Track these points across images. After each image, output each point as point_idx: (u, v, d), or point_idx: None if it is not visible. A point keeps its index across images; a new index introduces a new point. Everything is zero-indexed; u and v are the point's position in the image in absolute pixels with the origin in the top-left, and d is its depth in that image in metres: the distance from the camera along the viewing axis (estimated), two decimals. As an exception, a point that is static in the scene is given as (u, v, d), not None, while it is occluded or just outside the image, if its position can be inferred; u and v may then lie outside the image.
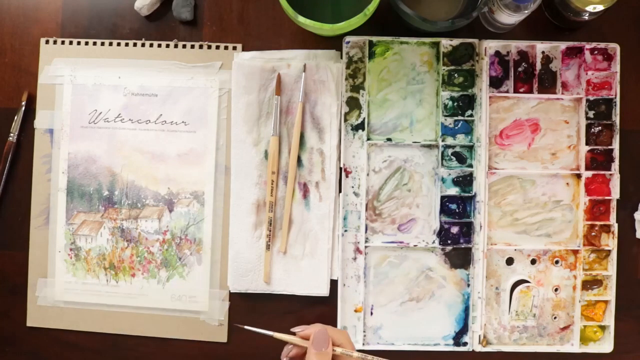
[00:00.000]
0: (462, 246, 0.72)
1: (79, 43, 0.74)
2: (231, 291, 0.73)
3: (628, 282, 0.73)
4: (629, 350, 0.73)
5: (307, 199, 0.72)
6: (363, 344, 0.72)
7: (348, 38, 0.72)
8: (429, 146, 0.73)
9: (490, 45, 0.71)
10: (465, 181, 0.72)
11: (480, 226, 0.71)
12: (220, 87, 0.73)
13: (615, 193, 0.72)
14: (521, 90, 0.72)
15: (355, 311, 0.72)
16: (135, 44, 0.74)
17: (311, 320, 0.73)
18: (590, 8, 0.66)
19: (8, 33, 0.75)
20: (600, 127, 0.72)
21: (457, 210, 0.72)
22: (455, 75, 0.72)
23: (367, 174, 0.72)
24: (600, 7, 0.66)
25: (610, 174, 0.72)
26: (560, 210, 0.73)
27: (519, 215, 0.72)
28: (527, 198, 0.73)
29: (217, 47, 0.74)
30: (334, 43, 0.73)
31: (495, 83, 0.72)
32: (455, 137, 0.72)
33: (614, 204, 0.72)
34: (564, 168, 0.73)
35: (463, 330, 0.72)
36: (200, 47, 0.74)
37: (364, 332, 0.72)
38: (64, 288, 0.74)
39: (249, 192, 0.72)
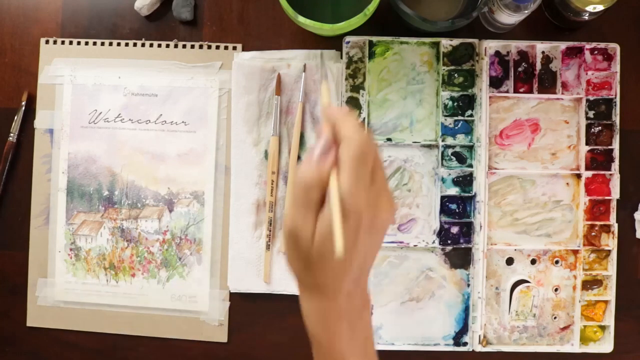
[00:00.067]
0: (462, 246, 0.72)
1: (79, 43, 0.74)
2: (231, 291, 0.72)
3: (628, 282, 0.73)
4: (629, 350, 0.73)
5: (307, 199, 0.72)
6: (363, 344, 0.72)
7: (348, 38, 0.72)
8: (429, 146, 0.73)
9: (490, 45, 0.71)
10: (465, 181, 0.72)
11: (480, 226, 0.71)
12: (220, 87, 0.73)
13: (615, 193, 0.72)
14: (521, 90, 0.72)
15: (355, 311, 0.72)
16: (135, 44, 0.74)
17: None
18: (590, 8, 0.66)
19: (8, 33, 0.75)
20: (600, 127, 0.72)
21: (457, 210, 0.72)
22: (455, 75, 0.72)
23: (367, 174, 0.72)
24: (600, 7, 0.66)
25: (610, 174, 0.72)
26: (560, 210, 0.73)
27: (519, 215, 0.72)
28: (527, 198, 0.73)
29: (217, 47, 0.74)
30: (334, 43, 0.73)
31: (495, 83, 0.72)
32: (455, 137, 0.72)
33: (614, 204, 0.72)
34: (564, 168, 0.73)
35: (463, 330, 0.72)
36: (200, 47, 0.74)
37: (364, 332, 0.72)
38: (64, 288, 0.74)
39: (249, 192, 0.72)
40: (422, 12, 0.68)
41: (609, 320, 0.71)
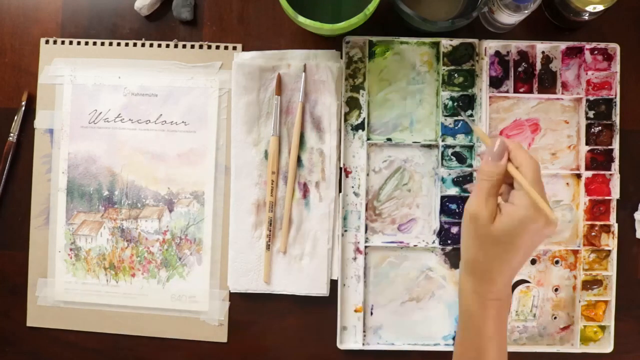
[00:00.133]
0: (462, 246, 0.72)
1: (79, 43, 0.74)
2: (231, 291, 0.73)
3: (628, 282, 0.73)
4: (629, 350, 0.73)
5: (307, 199, 0.72)
6: (363, 344, 0.72)
7: (348, 38, 0.72)
8: (429, 146, 0.73)
9: (490, 45, 0.71)
10: (465, 181, 0.72)
11: (480, 226, 0.71)
12: (220, 87, 0.73)
13: (615, 193, 0.72)
14: (521, 90, 0.72)
15: (355, 311, 0.72)
16: (135, 44, 0.74)
17: (311, 321, 0.73)
18: (590, 8, 0.66)
19: (8, 33, 0.75)
20: (600, 127, 0.72)
21: (457, 210, 0.72)
22: (455, 75, 0.72)
23: (367, 174, 0.72)
24: (600, 7, 0.66)
25: (610, 174, 0.72)
26: (560, 210, 0.73)
27: (519, 215, 0.72)
28: (527, 198, 0.72)
29: (217, 47, 0.74)
30: (334, 43, 0.73)
31: (495, 83, 0.72)
32: (455, 137, 0.72)
33: (614, 204, 0.72)
34: (564, 168, 0.73)
35: (463, 330, 0.72)
36: (200, 47, 0.74)
37: (364, 332, 0.72)
38: (64, 288, 0.74)
39: (249, 192, 0.72)
40: (422, 12, 0.68)
41: (609, 320, 0.71)
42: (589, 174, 0.72)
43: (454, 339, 0.72)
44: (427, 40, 0.72)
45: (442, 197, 0.72)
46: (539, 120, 0.73)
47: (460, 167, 0.72)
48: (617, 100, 0.72)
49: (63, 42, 0.74)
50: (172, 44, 0.74)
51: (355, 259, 0.72)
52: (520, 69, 0.72)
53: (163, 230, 0.73)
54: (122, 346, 0.74)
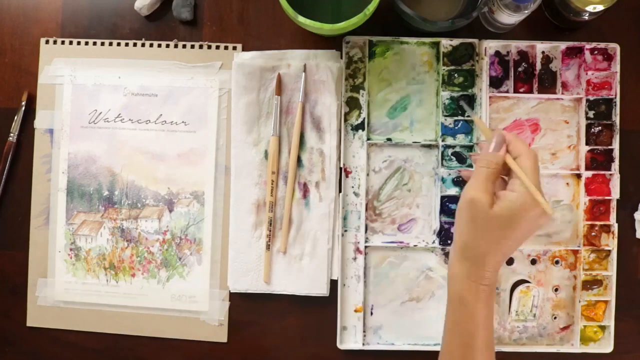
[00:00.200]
0: (462, 246, 0.72)
1: (79, 43, 0.74)
2: (231, 291, 0.73)
3: (628, 282, 0.73)
4: (629, 350, 0.73)
5: (307, 199, 0.72)
6: (363, 344, 0.72)
7: (348, 38, 0.72)
8: (429, 146, 0.73)
9: (490, 45, 0.71)
10: (465, 181, 0.72)
11: (480, 226, 0.71)
12: (220, 87, 0.73)
13: (615, 193, 0.72)
14: (521, 90, 0.72)
15: (355, 311, 0.72)
16: (135, 44, 0.74)
17: (311, 321, 0.73)
18: (590, 8, 0.66)
19: (8, 33, 0.75)
20: (600, 127, 0.72)
21: (457, 210, 0.72)
22: (455, 75, 0.72)
23: (367, 174, 0.72)
24: (600, 7, 0.66)
25: (610, 174, 0.72)
26: (560, 210, 0.73)
27: (519, 215, 0.72)
28: (527, 198, 0.72)
29: (217, 47, 0.74)
30: (334, 43, 0.73)
31: (495, 83, 0.72)
32: (455, 137, 0.72)
33: (614, 204, 0.72)
34: (564, 168, 0.73)
35: (463, 330, 0.72)
36: (200, 47, 0.74)
37: (364, 332, 0.72)
38: (64, 288, 0.74)
39: (249, 192, 0.72)
40: (422, 12, 0.68)
41: (609, 320, 0.71)
42: (589, 174, 0.72)
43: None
44: (427, 40, 0.72)
45: (442, 197, 0.72)
46: (539, 120, 0.73)
47: (460, 167, 0.72)
48: (617, 100, 0.72)
49: (63, 42, 0.74)
50: (172, 44, 0.74)
51: (355, 259, 0.72)
52: (520, 69, 0.72)
53: (163, 230, 0.73)
54: (122, 346, 0.74)
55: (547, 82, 0.72)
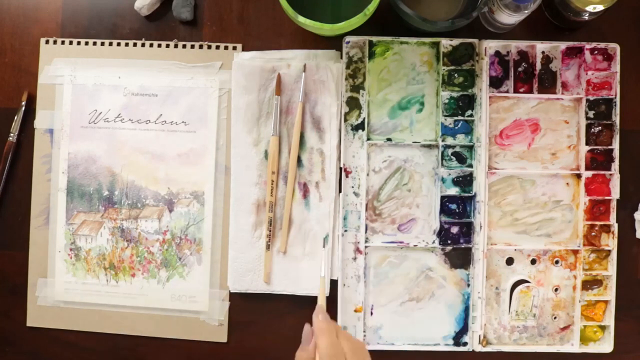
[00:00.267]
0: (462, 246, 0.72)
1: (79, 43, 0.74)
2: (231, 291, 0.73)
3: (628, 282, 0.73)
4: (629, 350, 0.73)
5: (307, 199, 0.72)
6: (363, 344, 0.72)
7: (348, 38, 0.72)
8: (429, 146, 0.73)
9: (490, 45, 0.71)
10: (465, 181, 0.72)
11: (480, 226, 0.71)
12: (220, 87, 0.73)
13: (615, 193, 0.72)
14: (521, 90, 0.72)
15: (355, 311, 0.72)
16: (135, 44, 0.74)
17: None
18: (590, 8, 0.66)
19: (8, 33, 0.75)
20: (600, 127, 0.72)
21: (457, 210, 0.72)
22: (455, 75, 0.72)
23: (367, 174, 0.72)
24: (600, 7, 0.66)
25: (610, 174, 0.72)
26: (560, 210, 0.73)
27: (519, 215, 0.72)
28: (527, 198, 0.73)
29: (217, 47, 0.74)
30: (334, 43, 0.73)
31: (495, 83, 0.72)
32: (455, 137, 0.72)
33: (614, 204, 0.72)
34: (564, 168, 0.73)
35: (463, 330, 0.72)
36: (200, 47, 0.74)
37: (364, 332, 0.72)
38: (64, 288, 0.74)
39: (249, 192, 0.72)
40: (422, 12, 0.68)
41: (609, 320, 0.71)
42: (589, 174, 0.72)
43: (453, 338, 0.72)
44: (427, 40, 0.72)
45: (442, 197, 0.72)
46: (539, 120, 0.73)
47: (460, 167, 0.72)
48: (617, 100, 0.72)
49: (63, 42, 0.74)
50: (172, 44, 0.74)
51: (355, 259, 0.72)
52: (520, 69, 0.72)
53: (163, 230, 0.73)
54: (122, 346, 0.74)
55: (547, 82, 0.72)
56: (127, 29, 0.75)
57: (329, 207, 0.72)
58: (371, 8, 0.62)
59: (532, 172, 0.72)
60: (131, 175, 0.74)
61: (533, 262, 0.72)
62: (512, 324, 0.72)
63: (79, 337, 0.74)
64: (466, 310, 0.72)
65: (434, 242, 0.72)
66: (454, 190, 0.72)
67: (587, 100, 0.72)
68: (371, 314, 0.72)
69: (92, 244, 0.74)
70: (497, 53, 0.72)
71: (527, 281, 0.71)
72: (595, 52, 0.72)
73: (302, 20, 0.62)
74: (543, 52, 0.72)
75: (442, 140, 0.72)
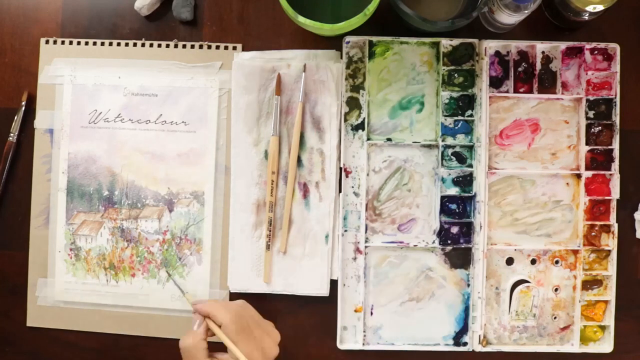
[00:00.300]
0: (462, 246, 0.72)
1: (79, 43, 0.74)
2: (231, 291, 0.72)
3: (628, 282, 0.73)
4: (629, 350, 0.73)
5: (307, 199, 0.72)
6: (363, 344, 0.72)
7: (348, 38, 0.72)
8: (429, 146, 0.73)
9: (490, 45, 0.71)
10: (465, 181, 0.72)
11: (480, 226, 0.71)
12: (220, 87, 0.73)
13: (615, 193, 0.72)
14: (521, 90, 0.72)
15: (355, 311, 0.72)
16: (135, 44, 0.74)
17: (311, 321, 0.73)
18: (590, 8, 0.66)
19: (8, 33, 0.75)
20: (600, 127, 0.72)
21: (457, 210, 0.72)
22: (455, 75, 0.72)
23: (367, 174, 0.72)
24: (600, 7, 0.66)
25: (610, 174, 0.72)
26: (560, 210, 0.73)
27: (519, 215, 0.72)
28: (527, 198, 0.73)
29: (217, 47, 0.74)
30: (334, 43, 0.73)
31: (495, 83, 0.72)
32: (455, 137, 0.72)
33: (614, 204, 0.72)
34: (564, 168, 0.73)
35: (463, 330, 0.72)
36: (200, 47, 0.74)
37: (364, 332, 0.72)
38: (64, 288, 0.74)
39: (249, 192, 0.72)
40: (422, 12, 0.68)
41: (609, 320, 0.71)
42: (589, 174, 0.72)
43: (453, 339, 0.72)
44: (427, 40, 0.72)
45: (442, 197, 0.72)
46: (539, 120, 0.73)
47: (460, 167, 0.72)
48: (617, 100, 0.72)
49: (63, 42, 0.74)
50: (172, 44, 0.74)
51: (355, 259, 0.72)
52: (520, 69, 0.72)
53: (163, 230, 0.73)
54: (122, 346, 0.74)
55: (547, 82, 0.72)
56: (127, 29, 0.75)
57: (329, 207, 0.72)
58: (371, 8, 0.62)
59: (532, 172, 0.72)
60: (131, 175, 0.74)
61: (533, 262, 0.72)
62: (512, 324, 0.72)
63: (79, 337, 0.74)
64: (466, 310, 0.72)
65: (434, 242, 0.72)
66: (454, 190, 0.72)
67: (587, 100, 0.72)
68: (371, 314, 0.72)
69: (92, 244, 0.74)
70: (497, 53, 0.72)
71: (527, 281, 0.71)
72: (595, 52, 0.72)
73: (302, 20, 0.62)
74: (543, 52, 0.72)
75: (442, 140, 0.72)
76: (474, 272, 0.72)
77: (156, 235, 0.73)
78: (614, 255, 0.72)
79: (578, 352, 0.72)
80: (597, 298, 0.72)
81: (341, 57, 0.72)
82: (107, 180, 0.74)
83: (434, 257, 0.73)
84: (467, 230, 0.72)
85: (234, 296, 0.73)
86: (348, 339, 0.72)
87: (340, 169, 0.72)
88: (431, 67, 0.73)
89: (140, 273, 0.73)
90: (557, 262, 0.72)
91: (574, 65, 0.72)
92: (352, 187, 0.72)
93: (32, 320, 0.74)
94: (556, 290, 0.72)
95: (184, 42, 0.74)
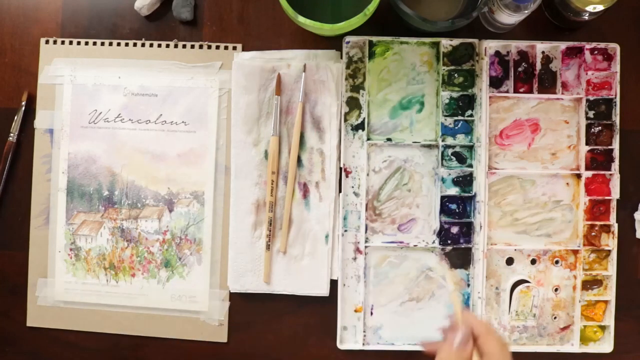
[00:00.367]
0: (462, 246, 0.72)
1: (79, 43, 0.74)
2: (231, 291, 0.73)
3: (628, 282, 0.73)
4: (629, 350, 0.73)
5: (307, 199, 0.72)
6: (363, 344, 0.72)
7: (348, 38, 0.72)
8: (429, 146, 0.73)
9: (490, 45, 0.71)
10: (465, 181, 0.72)
11: (480, 226, 0.71)
12: (220, 87, 0.73)
13: (615, 193, 0.72)
14: (521, 90, 0.72)
15: (355, 311, 0.72)
16: (135, 44, 0.74)
17: (311, 321, 0.73)
18: (590, 8, 0.66)
19: (8, 33, 0.75)
20: (600, 127, 0.72)
21: (457, 210, 0.72)
22: (455, 75, 0.72)
23: (367, 174, 0.72)
24: (600, 7, 0.66)
25: (610, 174, 0.72)
26: (560, 210, 0.73)
27: (519, 215, 0.72)
28: (527, 198, 0.73)
29: (217, 47, 0.74)
30: (334, 43, 0.73)
31: (495, 83, 0.72)
32: (455, 137, 0.72)
33: (614, 204, 0.72)
34: (564, 168, 0.73)
35: (463, 330, 0.72)
36: (200, 47, 0.74)
37: (364, 332, 0.72)
38: (64, 288, 0.74)
39: (249, 192, 0.72)
40: (422, 12, 0.68)
41: (609, 320, 0.71)
42: (589, 174, 0.72)
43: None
44: (427, 40, 0.72)
45: (442, 197, 0.72)
46: (539, 120, 0.73)
47: (460, 167, 0.72)
48: (617, 100, 0.72)
49: (63, 42, 0.74)
50: (172, 44, 0.74)
51: (355, 259, 0.72)
52: (520, 69, 0.72)
53: (163, 230, 0.73)
54: (122, 346, 0.74)
55: (547, 82, 0.72)
56: (127, 29, 0.75)
57: (329, 207, 0.72)
58: (371, 8, 0.62)
59: (532, 172, 0.72)
60: (131, 175, 0.74)
61: (533, 262, 0.72)
62: (512, 324, 0.72)
63: (79, 337, 0.74)
64: (466, 310, 0.72)
65: (434, 242, 0.72)
66: (454, 190, 0.72)
67: (587, 100, 0.72)
68: (371, 314, 0.72)
69: (92, 244, 0.74)
70: (497, 53, 0.72)
71: (527, 281, 0.71)
72: (595, 52, 0.72)
73: (302, 20, 0.62)
74: (543, 52, 0.72)
75: (442, 140, 0.72)
76: (474, 272, 0.72)
77: (156, 235, 0.73)
78: (614, 255, 0.72)
79: (578, 352, 0.72)
80: (597, 298, 0.72)
81: (341, 57, 0.72)
82: (107, 180, 0.74)
83: (434, 257, 0.73)
84: (467, 230, 0.72)
85: (234, 296, 0.73)
86: (348, 339, 0.72)
87: (340, 169, 0.72)
88: (431, 67, 0.73)
89: (140, 273, 0.73)
90: (557, 262, 0.72)
91: (574, 65, 0.72)
92: (352, 187, 0.72)
93: (32, 320, 0.74)
94: (556, 290, 0.72)
95: (184, 42, 0.74)
